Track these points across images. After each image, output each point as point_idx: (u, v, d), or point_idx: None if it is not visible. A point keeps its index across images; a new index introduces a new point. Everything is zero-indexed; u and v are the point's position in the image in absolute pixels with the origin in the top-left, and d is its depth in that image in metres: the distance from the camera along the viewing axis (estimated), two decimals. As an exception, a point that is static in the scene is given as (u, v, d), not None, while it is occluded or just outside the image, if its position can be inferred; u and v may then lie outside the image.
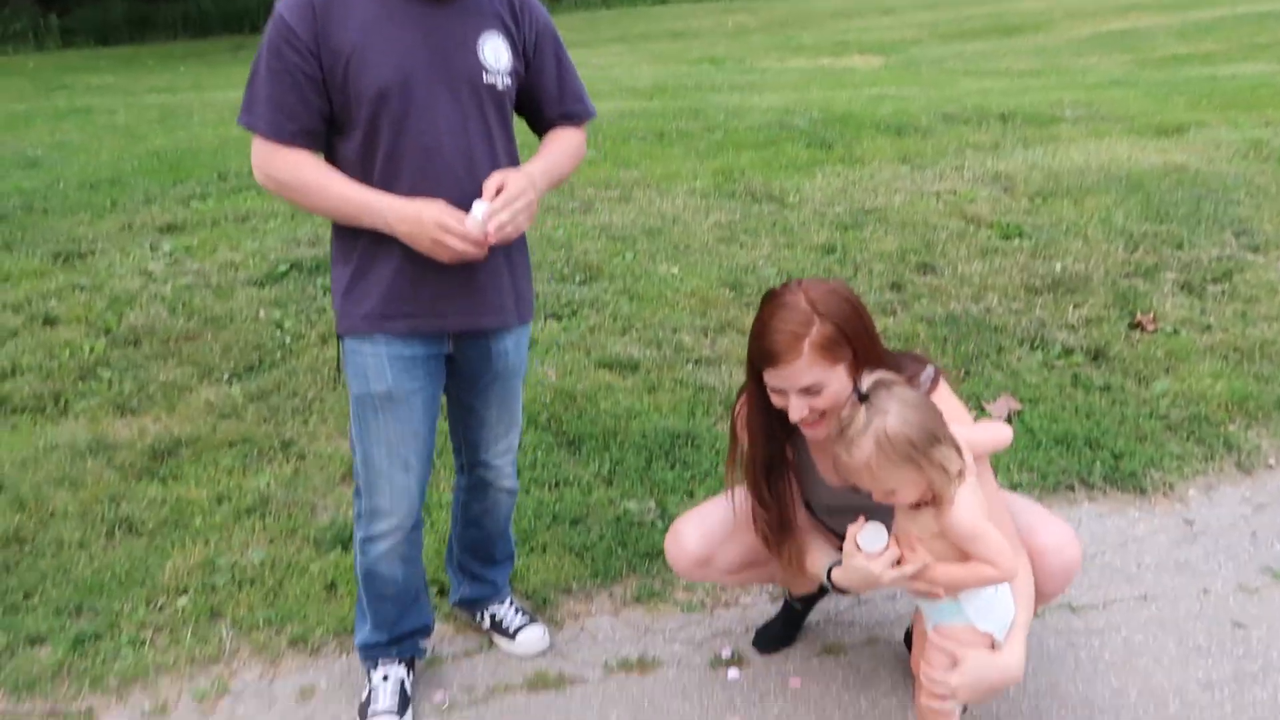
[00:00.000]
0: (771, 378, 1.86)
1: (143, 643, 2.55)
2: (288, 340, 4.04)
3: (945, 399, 1.94)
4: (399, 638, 2.31)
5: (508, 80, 2.04)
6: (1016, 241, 4.96)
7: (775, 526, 2.06)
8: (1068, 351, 3.86)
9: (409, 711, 2.28)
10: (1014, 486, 3.02)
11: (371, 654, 2.32)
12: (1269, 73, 9.22)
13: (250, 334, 4.11)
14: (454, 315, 2.08)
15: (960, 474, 1.77)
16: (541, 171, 2.06)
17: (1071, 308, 4.22)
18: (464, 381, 2.22)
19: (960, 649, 1.84)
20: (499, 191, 1.94)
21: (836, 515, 2.22)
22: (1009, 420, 3.38)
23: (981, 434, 1.96)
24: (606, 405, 3.55)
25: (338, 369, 2.18)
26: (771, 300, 1.90)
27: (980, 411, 3.45)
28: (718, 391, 3.64)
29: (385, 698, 2.26)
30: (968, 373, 3.73)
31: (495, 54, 2.01)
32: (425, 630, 2.38)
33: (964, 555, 1.81)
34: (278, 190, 2.00)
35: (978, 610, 1.88)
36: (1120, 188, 5.64)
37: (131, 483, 3.19)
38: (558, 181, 2.14)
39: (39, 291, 4.53)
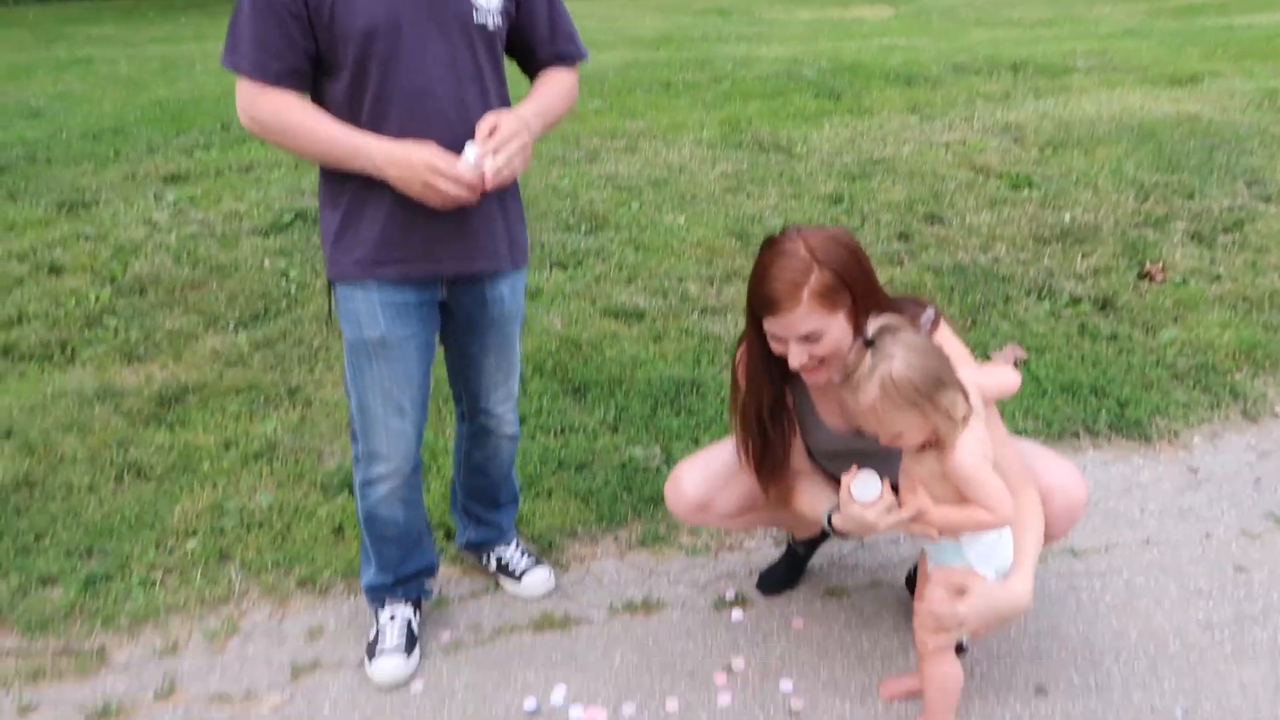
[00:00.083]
0: (771, 325, 1.86)
1: (153, 584, 2.57)
2: (293, 289, 4.04)
3: (946, 340, 1.93)
4: (404, 579, 2.33)
5: (498, 20, 2.00)
6: (1026, 192, 4.92)
7: (766, 468, 2.06)
8: (1075, 301, 3.85)
9: (416, 650, 2.30)
10: (1019, 434, 3.02)
11: (378, 595, 2.35)
12: (1285, 22, 9.08)
13: (255, 283, 4.11)
14: (447, 260, 2.05)
15: (965, 418, 1.77)
16: (535, 113, 2.01)
17: (1080, 257, 4.19)
18: (460, 328, 2.20)
19: (967, 580, 1.85)
20: (492, 133, 1.90)
21: (838, 460, 2.22)
22: (1015, 368, 3.37)
23: (990, 379, 1.95)
24: (612, 353, 3.55)
25: (330, 315, 2.16)
26: (771, 248, 1.88)
27: (986, 360, 3.44)
28: (723, 340, 3.63)
29: (392, 637, 2.28)
30: (974, 322, 3.72)
31: None
32: (429, 571, 2.40)
33: (964, 498, 1.81)
34: (263, 134, 1.95)
35: (978, 554, 1.89)
36: (1132, 138, 5.59)
37: (139, 428, 3.21)
38: (552, 124, 2.10)
39: (44, 240, 4.53)
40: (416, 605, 2.37)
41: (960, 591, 1.85)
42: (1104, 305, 3.82)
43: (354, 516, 2.72)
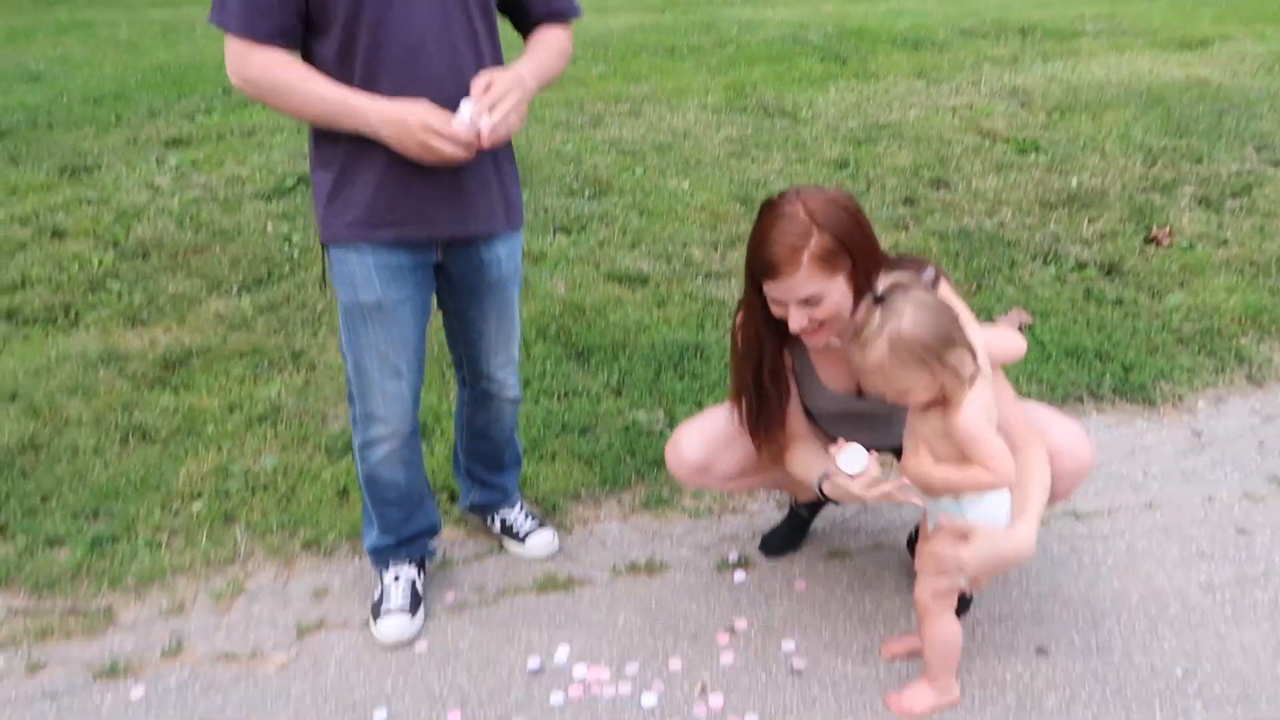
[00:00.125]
0: (771, 289, 1.85)
1: (159, 545, 2.59)
2: (296, 253, 4.03)
3: (947, 299, 1.92)
4: (407, 539, 2.34)
5: None
6: (1033, 156, 4.89)
7: (761, 430, 2.06)
8: (1081, 266, 3.83)
9: (421, 610, 2.32)
10: (1023, 398, 3.02)
11: (381, 556, 2.36)
12: (1298, -15, 8.95)
13: (259, 247, 4.11)
14: (442, 223, 2.03)
15: (972, 378, 1.77)
16: (530, 72, 1.97)
17: (1086, 222, 4.17)
18: (457, 292, 2.19)
19: (971, 527, 1.85)
20: (486, 91, 1.87)
21: (838, 422, 2.22)
22: (1020, 332, 3.36)
23: (997, 340, 1.94)
24: (616, 318, 3.54)
25: (324, 277, 2.14)
26: (770, 211, 1.87)
27: (989, 324, 3.43)
28: (727, 305, 3.62)
29: (397, 597, 2.30)
30: (979, 287, 3.71)
31: None
32: (432, 531, 2.41)
33: (967, 458, 1.81)
34: (254, 93, 1.91)
35: (978, 516, 1.89)
36: (1140, 102, 5.54)
37: (144, 392, 3.22)
38: (547, 82, 2.05)
39: (46, 205, 4.52)
40: (420, 566, 2.38)
41: (963, 537, 1.85)
42: (1110, 270, 3.81)
43: (358, 479, 2.73)
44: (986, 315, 3.50)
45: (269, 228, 4.26)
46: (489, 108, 1.86)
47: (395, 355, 2.10)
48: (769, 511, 2.64)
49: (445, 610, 2.36)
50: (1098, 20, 7.69)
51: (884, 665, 2.14)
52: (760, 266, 1.84)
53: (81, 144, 5.37)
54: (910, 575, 2.35)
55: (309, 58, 1.95)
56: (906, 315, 1.72)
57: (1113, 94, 5.70)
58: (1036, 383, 3.12)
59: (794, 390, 2.10)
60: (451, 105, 1.87)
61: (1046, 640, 2.18)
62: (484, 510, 2.58)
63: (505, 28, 2.10)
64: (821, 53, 6.91)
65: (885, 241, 2.00)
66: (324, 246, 2.08)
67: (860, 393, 2.06)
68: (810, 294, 1.82)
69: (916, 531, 2.35)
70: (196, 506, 2.72)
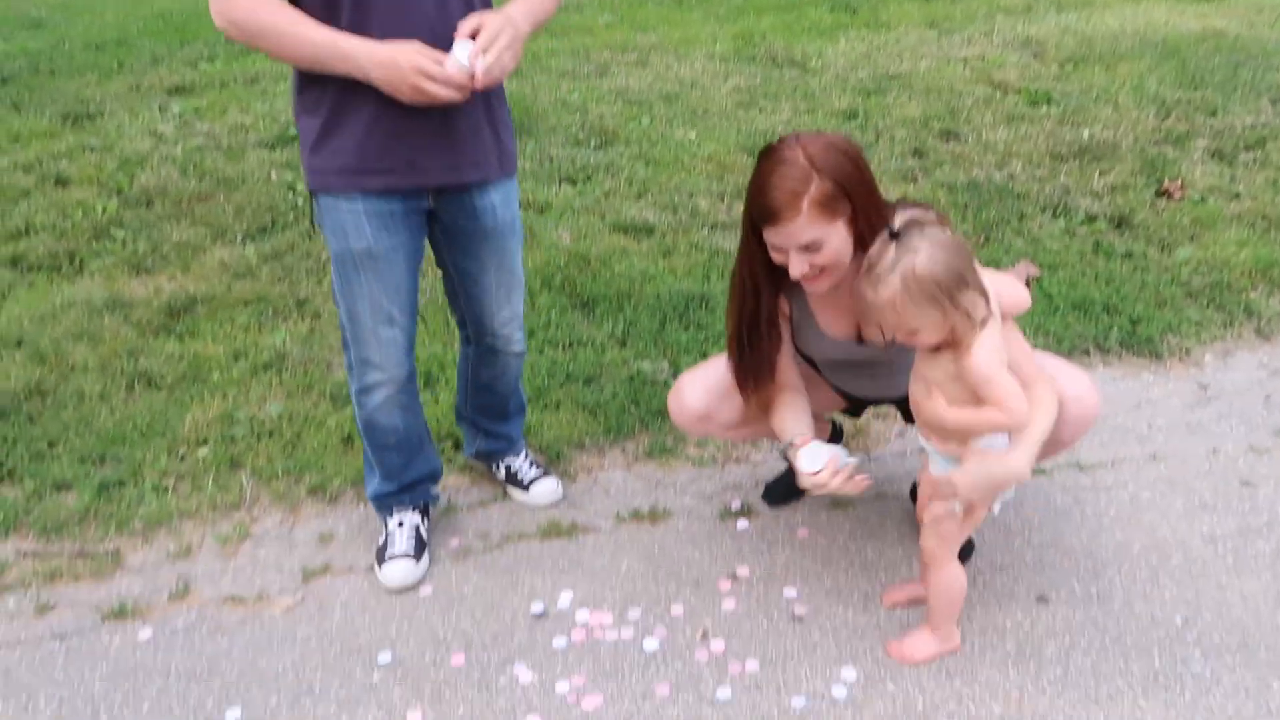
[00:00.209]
0: (771, 235, 1.83)
1: (165, 490, 2.60)
2: (299, 202, 4.01)
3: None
4: (408, 485, 2.35)
5: None
6: (1044, 108, 4.83)
7: (750, 378, 2.05)
8: (1091, 219, 3.79)
9: (425, 556, 2.33)
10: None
11: (385, 503, 2.37)
12: (1320, -65, 8.77)
13: (262, 195, 4.09)
14: (434, 171, 2.00)
15: (984, 321, 1.75)
16: (521, 14, 1.94)
17: (1097, 175, 4.13)
18: (453, 242, 2.15)
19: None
20: (476, 35, 1.84)
21: (840, 370, 2.21)
22: (1027, 285, 3.34)
23: (1005, 290, 1.92)
24: (621, 268, 3.52)
25: (312, 224, 2.11)
26: (770, 156, 1.84)
27: (998, 277, 3.41)
28: (733, 256, 3.56)
29: (401, 542, 2.31)
30: (987, 239, 3.68)
31: None
32: (434, 476, 2.41)
33: (979, 401, 1.80)
34: (240, 37, 1.88)
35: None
36: (1155, 54, 5.46)
37: (149, 339, 3.22)
38: (538, 24, 2.01)
39: (49, 152, 4.50)
40: (424, 512, 2.39)
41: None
42: (1120, 223, 3.77)
43: (357, 425, 2.73)
44: (994, 267, 3.47)
45: (273, 176, 4.24)
46: (482, 49, 1.83)
47: (388, 302, 2.08)
48: (772, 461, 2.65)
49: (449, 556, 2.38)
50: (1114, -30, 7.55)
51: (885, 612, 2.15)
52: (760, 212, 1.82)
53: (84, 91, 5.33)
54: (913, 524, 2.36)
55: (296, 1, 1.90)
56: (922, 252, 1.70)
57: (1127, 45, 5.61)
58: (1043, 335, 3.10)
59: (786, 340, 2.08)
60: (443, 48, 1.84)
61: (1047, 589, 2.19)
62: (489, 457, 2.58)
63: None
64: (831, 2, 6.80)
65: (893, 193, 1.97)
66: (312, 194, 2.05)
67: (861, 339, 2.05)
68: (810, 240, 1.80)
69: (918, 482, 2.35)
70: (202, 452, 2.73)
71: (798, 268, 1.83)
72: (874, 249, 1.74)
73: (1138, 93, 4.92)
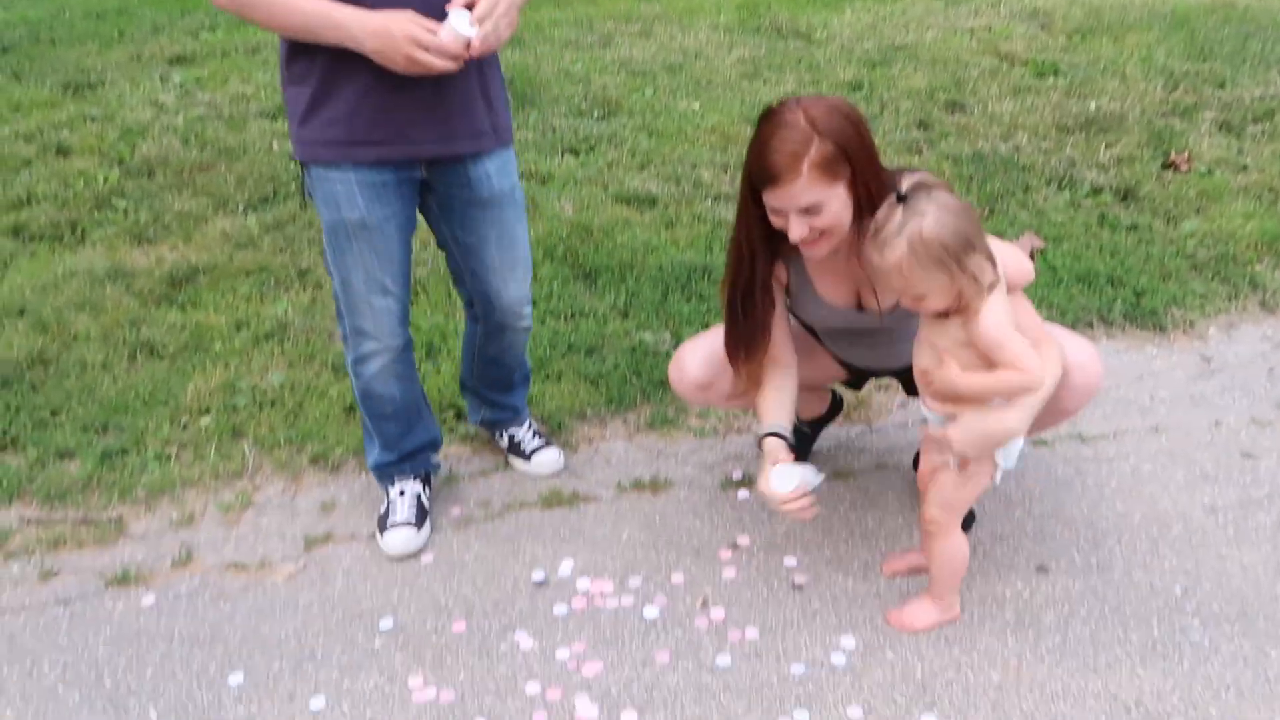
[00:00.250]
0: (771, 198, 1.81)
1: (168, 458, 2.61)
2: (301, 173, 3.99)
3: None
4: (408, 454, 2.35)
5: None
6: (1051, 80, 4.79)
7: (741, 347, 2.04)
8: (1096, 191, 3.77)
9: (427, 524, 2.34)
10: (1032, 322, 3.00)
11: (385, 473, 2.37)
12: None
13: (264, 166, 4.07)
14: (426, 143, 1.98)
15: (992, 286, 1.74)
16: None
17: (1104, 147, 4.10)
18: (449, 214, 2.13)
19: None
20: (470, 4, 1.81)
21: (840, 339, 2.21)
22: (1031, 257, 3.32)
23: (1010, 259, 1.91)
24: (623, 239, 3.51)
25: (303, 194, 2.10)
26: (770, 119, 1.83)
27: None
28: (736, 227, 3.58)
29: (403, 511, 2.31)
30: (992, 211, 3.66)
31: None
32: (434, 445, 2.41)
33: (990, 366, 1.78)
34: (230, 6, 1.85)
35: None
36: (1164, 25, 5.40)
37: (151, 308, 3.22)
38: None
39: (50, 122, 4.48)
40: (426, 481, 2.40)
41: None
42: (1125, 195, 3.75)
43: (355, 395, 2.74)
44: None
45: (274, 146, 4.22)
46: (479, 19, 1.81)
47: (381, 272, 2.07)
48: (774, 432, 2.64)
49: (451, 524, 2.38)
50: (1124, -60, 7.46)
51: (885, 581, 2.16)
52: (760, 175, 1.81)
53: (84, 60, 5.30)
54: (914, 494, 2.37)
55: None
56: (929, 215, 1.68)
57: (1136, 16, 5.56)
58: (1047, 307, 3.09)
59: (780, 311, 2.06)
60: (436, 17, 1.81)
61: (1047, 559, 2.19)
62: (493, 426, 2.59)
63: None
64: (838, -28, 6.72)
65: (897, 165, 1.96)
66: (302, 165, 2.03)
67: (860, 306, 2.04)
68: (810, 202, 1.78)
69: (920, 452, 2.35)
70: (205, 421, 2.74)
71: (797, 231, 1.81)
72: (881, 213, 1.72)
73: (1146, 64, 4.88)
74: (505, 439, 2.56)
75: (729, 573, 2.19)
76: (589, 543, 2.30)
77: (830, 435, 2.60)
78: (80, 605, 2.18)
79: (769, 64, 5.09)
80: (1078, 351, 1.95)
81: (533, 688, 1.94)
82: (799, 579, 2.17)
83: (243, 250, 3.52)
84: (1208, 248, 3.38)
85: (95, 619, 2.14)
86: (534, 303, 3.11)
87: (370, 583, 2.22)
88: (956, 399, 1.82)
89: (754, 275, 1.97)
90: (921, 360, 1.86)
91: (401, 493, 2.34)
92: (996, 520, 2.30)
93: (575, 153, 4.20)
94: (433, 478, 2.44)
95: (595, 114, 4.54)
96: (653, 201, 3.78)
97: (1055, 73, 4.85)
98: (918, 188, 1.70)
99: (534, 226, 3.57)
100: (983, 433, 1.82)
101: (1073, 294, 3.15)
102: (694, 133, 4.32)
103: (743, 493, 2.44)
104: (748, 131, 4.40)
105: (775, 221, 1.85)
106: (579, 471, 2.54)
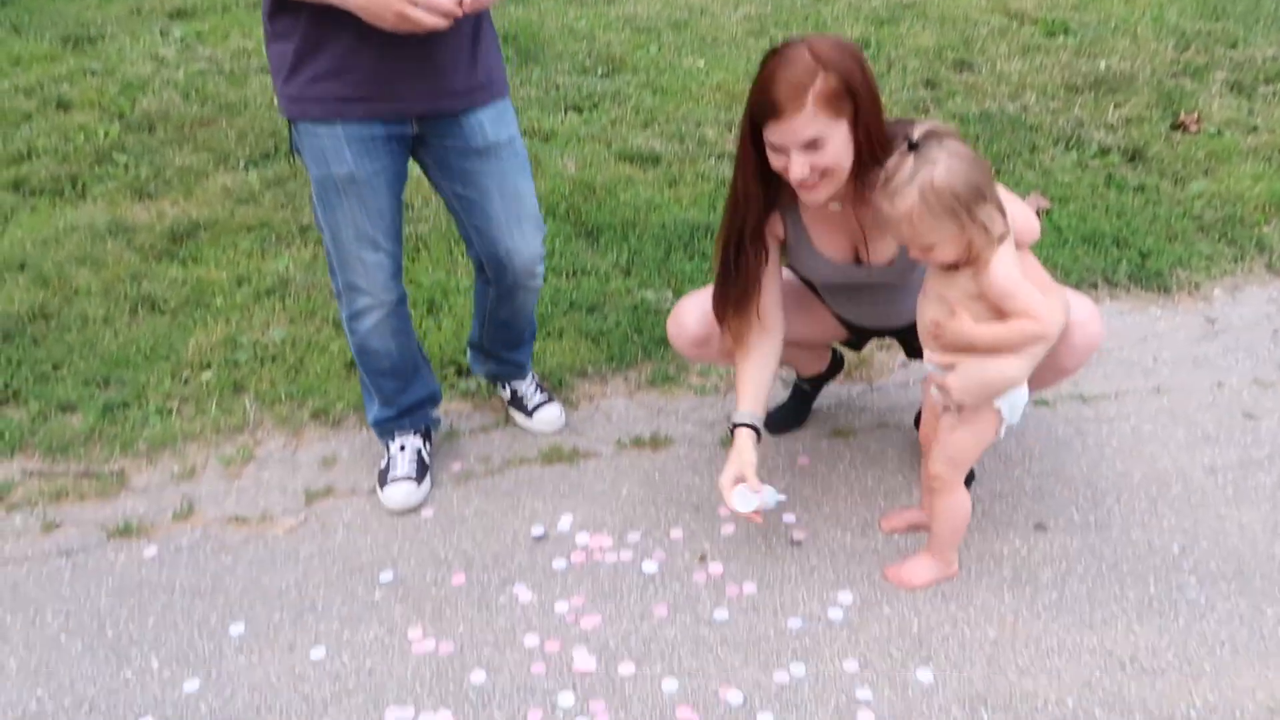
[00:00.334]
0: (772, 133, 1.79)
1: (170, 412, 2.62)
2: (303, 128, 3.96)
3: None
4: (407, 409, 2.35)
5: None
6: (1061, 39, 4.73)
7: (729, 301, 2.02)
8: (1104, 151, 3.73)
9: (427, 479, 2.35)
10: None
11: (385, 428, 2.37)
12: None
13: (265, 121, 4.04)
14: (416, 99, 1.95)
15: (1001, 237, 1.72)
16: None
17: (1112, 107, 4.05)
18: (446, 169, 2.09)
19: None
20: None
21: (839, 295, 2.19)
22: (1036, 217, 3.30)
23: (1019, 215, 1.88)
24: (626, 197, 3.49)
25: (292, 150, 2.07)
26: (775, 55, 1.80)
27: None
28: (740, 185, 3.55)
29: (403, 465, 2.32)
30: (998, 171, 3.63)
31: None
32: (433, 400, 2.41)
33: (1001, 318, 1.77)
34: None
35: (1000, 401, 1.87)
36: (1177, -17, 5.32)
37: (152, 263, 3.21)
38: None
39: (50, 75, 4.45)
40: (426, 436, 2.40)
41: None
42: (1133, 156, 3.71)
43: (351, 351, 2.73)
44: (1004, 199, 3.43)
45: (275, 102, 4.18)
46: None
47: (371, 227, 2.05)
48: (775, 390, 2.63)
49: (451, 479, 2.39)
50: (1138, -102, 7.34)
51: (883, 538, 2.16)
52: (763, 108, 1.77)
53: (84, 14, 5.25)
54: (915, 452, 2.37)
55: None
56: (940, 163, 1.66)
57: (1149, -25, 5.47)
58: (1052, 268, 3.06)
59: (772, 269, 2.04)
60: None
61: (1046, 517, 2.19)
62: (495, 378, 2.58)
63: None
64: (847, -71, 6.62)
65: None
66: (290, 121, 2.01)
67: (859, 260, 2.02)
68: (814, 136, 1.76)
69: (921, 411, 2.35)
70: (206, 376, 2.74)
71: (798, 170, 1.78)
72: (891, 161, 1.70)
73: (1157, 23, 4.81)
74: (508, 392, 2.56)
75: (728, 529, 2.20)
76: (588, 498, 2.31)
77: (831, 393, 2.59)
78: (82, 556, 2.19)
79: (775, 21, 5.03)
80: (1078, 310, 1.94)
81: (531, 640, 1.95)
82: (797, 535, 2.17)
83: (244, 206, 3.51)
84: (1215, 209, 3.35)
85: (97, 570, 2.16)
86: (537, 260, 3.11)
87: (370, 536, 2.23)
88: (969, 350, 1.81)
89: (748, 225, 1.95)
90: (929, 312, 1.84)
91: (402, 448, 2.35)
92: (996, 478, 2.30)
93: (578, 110, 4.16)
94: (433, 433, 2.45)
95: (599, 71, 4.49)
96: (656, 159, 3.75)
97: (1065, 31, 4.79)
98: (929, 136, 1.68)
99: (537, 183, 3.52)
100: (982, 381, 1.81)
101: (1078, 254, 3.13)
102: (698, 90, 4.28)
103: (743, 450, 2.43)
104: (752, 88, 4.34)
105: (775, 162, 1.83)
106: (579, 428, 2.55)
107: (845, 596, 2.01)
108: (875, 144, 1.79)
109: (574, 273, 3.13)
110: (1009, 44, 4.66)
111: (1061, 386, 2.53)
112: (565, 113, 4.13)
